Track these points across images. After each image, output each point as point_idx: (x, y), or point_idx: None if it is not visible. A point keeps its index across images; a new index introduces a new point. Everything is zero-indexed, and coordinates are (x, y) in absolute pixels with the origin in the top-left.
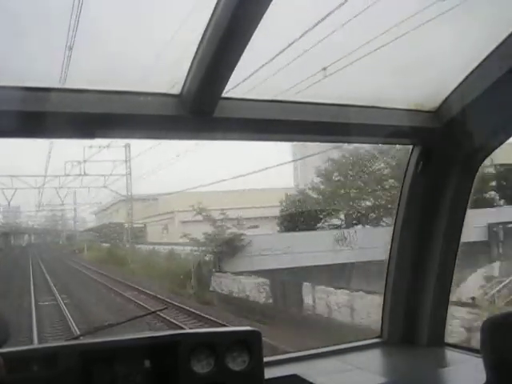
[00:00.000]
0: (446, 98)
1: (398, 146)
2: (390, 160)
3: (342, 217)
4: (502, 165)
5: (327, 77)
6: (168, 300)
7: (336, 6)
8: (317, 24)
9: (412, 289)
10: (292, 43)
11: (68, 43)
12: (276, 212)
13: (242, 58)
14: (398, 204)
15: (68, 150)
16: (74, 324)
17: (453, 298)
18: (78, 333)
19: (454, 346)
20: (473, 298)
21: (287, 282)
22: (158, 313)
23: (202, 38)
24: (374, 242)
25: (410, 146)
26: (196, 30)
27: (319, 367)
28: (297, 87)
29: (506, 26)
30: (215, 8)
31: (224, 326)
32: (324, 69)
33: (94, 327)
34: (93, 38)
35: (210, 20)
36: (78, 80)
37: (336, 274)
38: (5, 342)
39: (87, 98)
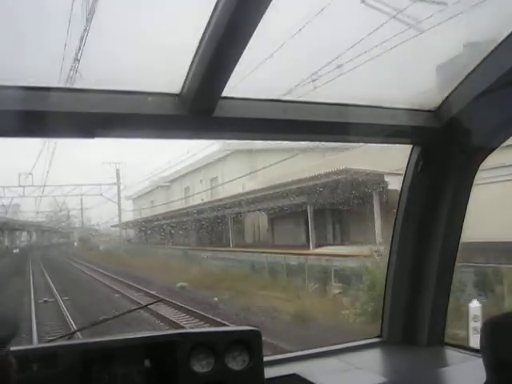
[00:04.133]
0: (446, 98)
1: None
2: None
3: None
4: None
5: (330, 76)
6: None
7: (337, 6)
8: (318, 23)
9: (412, 289)
10: (293, 43)
11: (69, 43)
12: None
13: (241, 57)
14: (398, 203)
15: None
16: None
17: None
18: None
19: (454, 345)
20: None
21: None
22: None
23: (202, 37)
24: None
25: (410, 146)
26: (196, 30)
27: (319, 367)
28: (298, 87)
29: (506, 26)
30: (215, 8)
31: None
32: (328, 74)
33: (90, 322)
34: (94, 38)
35: (210, 20)
36: (78, 80)
37: None
38: (10, 338)
39: (87, 98)
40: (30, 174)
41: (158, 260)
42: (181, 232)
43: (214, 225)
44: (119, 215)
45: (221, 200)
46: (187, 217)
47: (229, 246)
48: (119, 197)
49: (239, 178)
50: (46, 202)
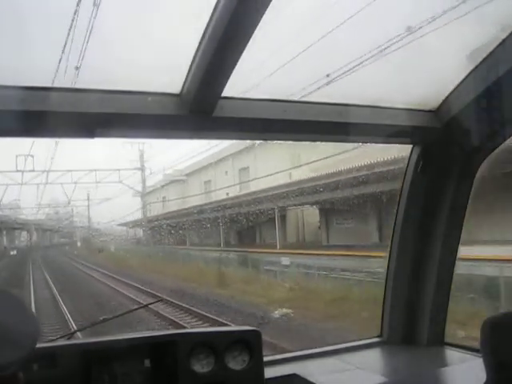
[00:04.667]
0: (446, 98)
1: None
2: None
3: None
4: None
5: (329, 76)
6: None
7: (338, 6)
8: (317, 24)
9: (412, 288)
10: (292, 43)
11: (70, 43)
12: None
13: (241, 57)
14: (398, 203)
15: None
16: None
17: None
18: None
19: (454, 345)
20: None
21: None
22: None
23: (202, 37)
24: None
25: (410, 146)
26: (196, 30)
27: (319, 367)
28: (298, 88)
29: (506, 26)
30: (215, 8)
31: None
32: (328, 75)
33: (90, 322)
34: (94, 38)
35: (210, 20)
36: (78, 80)
37: None
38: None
39: (87, 98)
40: (31, 155)
41: (198, 266)
42: (202, 231)
43: (243, 223)
44: (143, 208)
45: (253, 193)
46: (209, 214)
47: (274, 246)
48: (144, 185)
49: (291, 169)
50: (50, 194)
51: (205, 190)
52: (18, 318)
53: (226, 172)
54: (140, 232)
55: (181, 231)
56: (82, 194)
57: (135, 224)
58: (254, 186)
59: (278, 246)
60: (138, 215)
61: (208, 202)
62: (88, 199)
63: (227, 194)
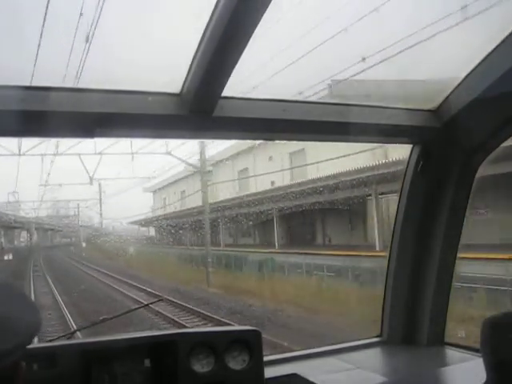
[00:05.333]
0: (446, 98)
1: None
2: None
3: None
4: None
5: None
6: None
7: (338, 7)
8: (318, 25)
9: (412, 288)
10: (293, 44)
11: (71, 44)
12: None
13: (242, 57)
14: (398, 203)
15: None
16: None
17: None
18: None
19: (454, 345)
20: None
21: None
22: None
23: (202, 37)
24: None
25: (410, 146)
26: (196, 30)
27: (319, 366)
28: (298, 89)
29: (506, 26)
30: (215, 8)
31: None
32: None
33: (90, 322)
34: (95, 39)
35: (210, 19)
36: (79, 80)
37: None
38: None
39: (87, 98)
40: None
41: (301, 282)
42: (238, 229)
43: (299, 218)
44: (204, 193)
45: (324, 179)
46: (252, 208)
47: (372, 248)
48: (203, 157)
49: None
50: (52, 192)
51: (239, 180)
52: (18, 307)
53: (271, 157)
54: (153, 231)
55: (212, 229)
56: (97, 179)
57: (152, 221)
58: (311, 174)
59: (378, 247)
60: (155, 212)
61: (249, 193)
62: (100, 189)
63: (272, 183)
